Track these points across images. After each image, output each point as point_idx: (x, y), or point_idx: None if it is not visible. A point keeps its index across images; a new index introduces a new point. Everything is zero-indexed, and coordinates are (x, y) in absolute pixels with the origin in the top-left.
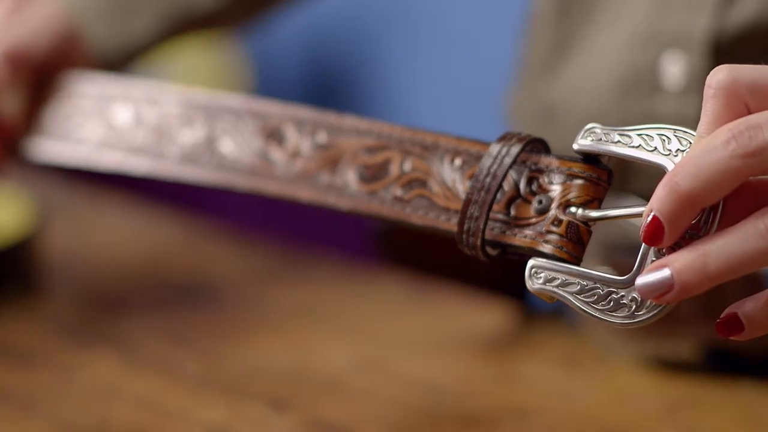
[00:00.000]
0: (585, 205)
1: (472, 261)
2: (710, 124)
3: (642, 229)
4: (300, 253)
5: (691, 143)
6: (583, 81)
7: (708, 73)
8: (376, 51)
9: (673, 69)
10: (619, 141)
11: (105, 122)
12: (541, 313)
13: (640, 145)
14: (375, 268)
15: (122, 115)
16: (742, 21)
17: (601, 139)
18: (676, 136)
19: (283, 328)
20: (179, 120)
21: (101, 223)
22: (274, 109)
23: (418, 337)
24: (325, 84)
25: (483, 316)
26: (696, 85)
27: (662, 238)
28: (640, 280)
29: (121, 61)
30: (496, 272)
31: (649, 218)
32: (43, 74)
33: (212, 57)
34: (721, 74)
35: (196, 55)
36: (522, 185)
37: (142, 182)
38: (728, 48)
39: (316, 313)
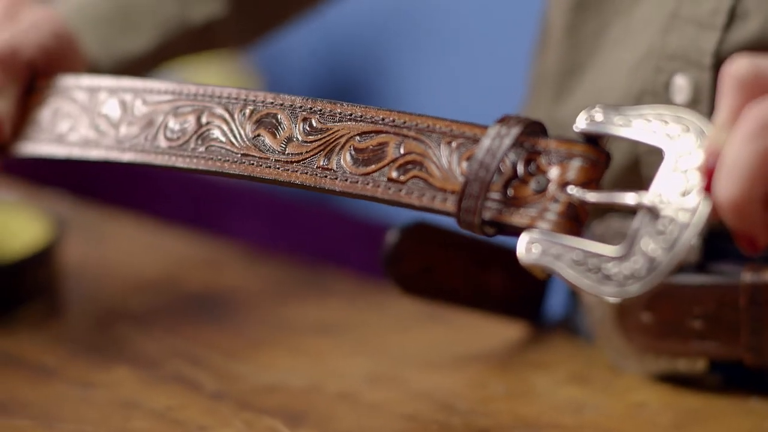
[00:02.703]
0: (583, 185)
1: (483, 286)
2: (730, 118)
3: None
4: (314, 269)
5: (689, 128)
6: (595, 100)
7: (712, 84)
8: (386, 61)
9: (682, 83)
10: (618, 123)
11: (93, 115)
12: (553, 330)
13: (639, 127)
14: (389, 285)
15: (110, 107)
16: (746, 37)
17: (601, 121)
18: (676, 119)
19: (297, 344)
20: (168, 110)
21: (115, 238)
22: (265, 97)
23: (432, 352)
24: (334, 96)
25: (496, 332)
26: (700, 97)
27: (758, 244)
28: None
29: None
30: (509, 295)
31: (740, 237)
32: (34, 74)
33: (221, 69)
34: (743, 68)
35: (204, 68)
36: (520, 166)
37: (155, 198)
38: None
39: (331, 328)
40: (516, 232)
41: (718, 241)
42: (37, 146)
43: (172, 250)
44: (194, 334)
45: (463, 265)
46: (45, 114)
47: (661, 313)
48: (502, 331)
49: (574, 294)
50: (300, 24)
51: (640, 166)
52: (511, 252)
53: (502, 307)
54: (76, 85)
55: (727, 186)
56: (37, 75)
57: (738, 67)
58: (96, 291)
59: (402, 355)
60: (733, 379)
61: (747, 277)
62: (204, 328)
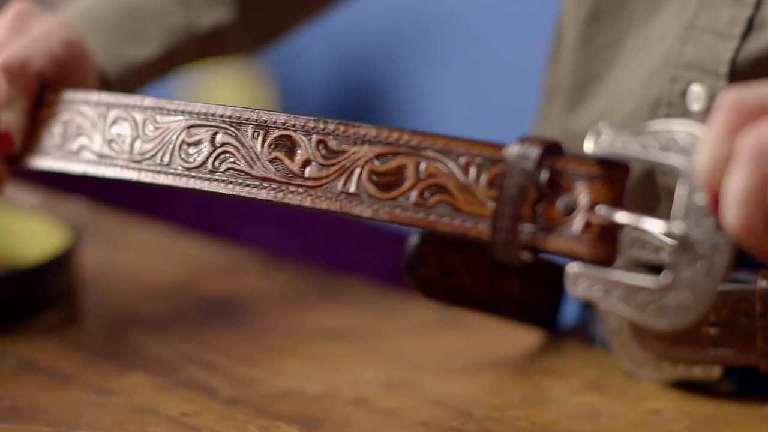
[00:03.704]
0: (610, 204)
1: (502, 292)
2: (716, 138)
3: None
4: (329, 276)
5: (693, 142)
6: (609, 111)
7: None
8: (399, 69)
9: (699, 91)
10: (628, 144)
11: (105, 132)
12: (569, 338)
13: (649, 145)
14: (405, 291)
15: (123, 125)
16: (763, 46)
17: (611, 143)
18: (687, 136)
19: (313, 350)
20: (181, 130)
21: (131, 245)
22: (277, 118)
23: (447, 358)
24: (348, 108)
25: (512, 339)
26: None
27: None
28: None
29: (121, 84)
30: (526, 302)
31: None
32: (45, 83)
33: (237, 81)
34: (730, 95)
35: (220, 80)
36: (545, 188)
37: (167, 202)
38: (746, 70)
39: (346, 334)
40: (553, 254)
41: None
42: (51, 161)
43: (187, 257)
44: (210, 340)
45: (482, 271)
46: (57, 128)
47: None
48: (518, 338)
49: (588, 302)
50: (314, 32)
51: (656, 175)
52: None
53: (520, 313)
54: (87, 100)
55: (732, 214)
56: (47, 86)
57: (726, 95)
58: (112, 297)
59: (417, 361)
60: (748, 385)
61: (763, 284)
62: (220, 334)
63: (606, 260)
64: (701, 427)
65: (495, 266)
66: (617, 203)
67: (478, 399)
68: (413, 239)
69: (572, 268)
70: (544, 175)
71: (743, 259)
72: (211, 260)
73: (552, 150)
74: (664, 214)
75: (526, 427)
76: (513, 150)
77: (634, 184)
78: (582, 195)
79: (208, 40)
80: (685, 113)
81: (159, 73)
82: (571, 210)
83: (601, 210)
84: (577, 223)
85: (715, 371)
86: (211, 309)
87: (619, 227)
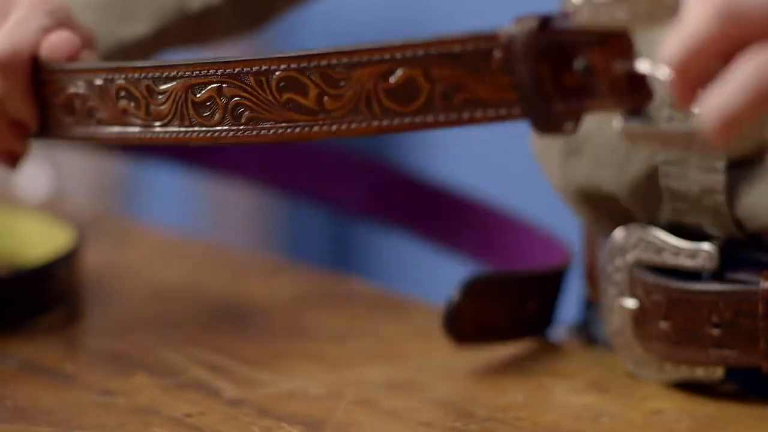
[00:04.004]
0: (625, 57)
1: (516, 317)
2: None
3: None
4: (334, 278)
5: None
6: (610, 115)
7: None
8: None
9: None
10: (615, 14)
11: (116, 104)
12: (572, 339)
13: (638, 10)
14: (407, 293)
15: (131, 95)
16: None
17: (595, 16)
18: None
19: (316, 351)
20: (187, 92)
21: (136, 245)
22: (272, 62)
23: (450, 359)
24: None
25: (515, 343)
26: None
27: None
28: None
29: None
30: (537, 320)
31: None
32: (41, 62)
33: None
34: None
35: None
36: (555, 60)
37: (176, 200)
38: None
39: (350, 336)
40: (594, 112)
41: (735, 249)
42: (68, 131)
43: (192, 258)
44: (213, 342)
45: (505, 303)
46: (65, 102)
47: (679, 322)
48: (521, 344)
49: (591, 303)
50: (313, 32)
51: (658, 175)
52: (543, 276)
53: (529, 330)
54: (88, 72)
55: (668, 58)
56: (42, 65)
57: None
58: (115, 298)
59: (420, 363)
60: (750, 386)
61: (765, 285)
62: (224, 336)
63: (645, 105)
64: (703, 427)
65: (515, 292)
66: (630, 55)
67: (480, 400)
68: (454, 296)
69: (622, 125)
70: (551, 46)
71: (745, 260)
72: (215, 261)
73: (548, 23)
74: (667, 216)
75: (528, 427)
76: (510, 32)
77: (636, 184)
78: (595, 57)
79: (197, 21)
80: (687, 115)
81: (148, 52)
82: (590, 72)
83: (619, 63)
84: (603, 81)
85: (718, 372)
86: (215, 310)
87: (642, 74)
